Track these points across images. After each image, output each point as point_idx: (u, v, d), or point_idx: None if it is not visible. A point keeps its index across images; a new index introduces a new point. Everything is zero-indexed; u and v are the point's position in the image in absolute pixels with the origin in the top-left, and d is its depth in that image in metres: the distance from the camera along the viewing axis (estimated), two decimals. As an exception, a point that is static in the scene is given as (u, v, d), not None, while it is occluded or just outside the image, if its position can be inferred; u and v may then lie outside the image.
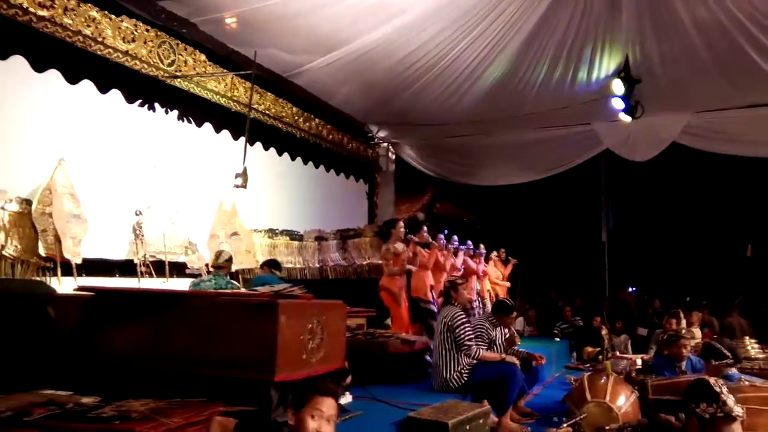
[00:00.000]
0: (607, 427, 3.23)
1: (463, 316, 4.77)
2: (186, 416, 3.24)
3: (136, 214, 5.96)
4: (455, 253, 7.66)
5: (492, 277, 9.24)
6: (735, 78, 8.24)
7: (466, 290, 5.09)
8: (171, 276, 6.01)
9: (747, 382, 3.17)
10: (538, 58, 8.41)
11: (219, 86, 7.29)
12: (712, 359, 3.54)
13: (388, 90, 8.96)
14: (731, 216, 11.96)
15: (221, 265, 5.55)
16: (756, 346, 6.61)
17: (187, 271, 6.22)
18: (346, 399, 4.22)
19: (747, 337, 6.97)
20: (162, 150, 6.47)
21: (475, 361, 4.60)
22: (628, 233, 13.00)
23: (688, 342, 5.23)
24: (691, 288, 10.62)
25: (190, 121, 6.94)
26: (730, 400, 2.14)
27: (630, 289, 12.24)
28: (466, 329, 4.69)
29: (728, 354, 3.50)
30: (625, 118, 9.21)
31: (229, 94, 7.41)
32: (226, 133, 7.39)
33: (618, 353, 7.24)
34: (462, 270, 8.21)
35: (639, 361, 6.46)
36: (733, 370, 3.47)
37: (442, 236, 7.39)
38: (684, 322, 7.18)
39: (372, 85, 8.84)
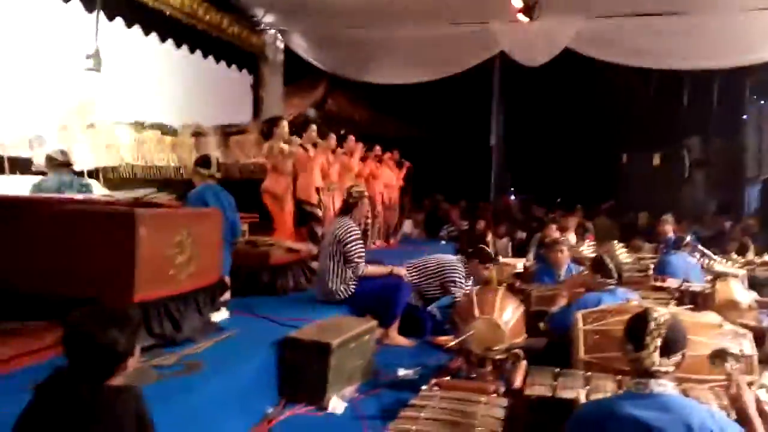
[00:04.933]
0: (494, 348, 3.16)
1: (357, 231, 4.51)
2: (20, 345, 2.83)
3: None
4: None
5: (385, 180, 9.01)
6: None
7: (366, 206, 4.82)
8: (13, 174, 5.13)
9: (635, 302, 3.20)
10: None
11: (64, -58, 6.00)
12: (599, 274, 3.53)
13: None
14: (610, 125, 12.51)
15: (63, 162, 4.62)
16: (623, 250, 6.96)
17: (34, 169, 5.35)
18: (222, 315, 3.88)
19: (615, 241, 7.31)
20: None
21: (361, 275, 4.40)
22: (515, 138, 13.24)
23: (565, 248, 5.45)
24: (567, 193, 11.11)
25: (28, -16, 5.71)
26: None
27: (511, 195, 12.67)
28: (358, 245, 4.44)
29: (615, 274, 3.50)
30: (523, 19, 8.96)
31: (77, -47, 6.14)
32: (77, 5, 6.19)
33: (501, 258, 7.43)
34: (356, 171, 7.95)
35: (520, 266, 6.66)
36: (621, 290, 3.49)
37: (333, 136, 6.99)
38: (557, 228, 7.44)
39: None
